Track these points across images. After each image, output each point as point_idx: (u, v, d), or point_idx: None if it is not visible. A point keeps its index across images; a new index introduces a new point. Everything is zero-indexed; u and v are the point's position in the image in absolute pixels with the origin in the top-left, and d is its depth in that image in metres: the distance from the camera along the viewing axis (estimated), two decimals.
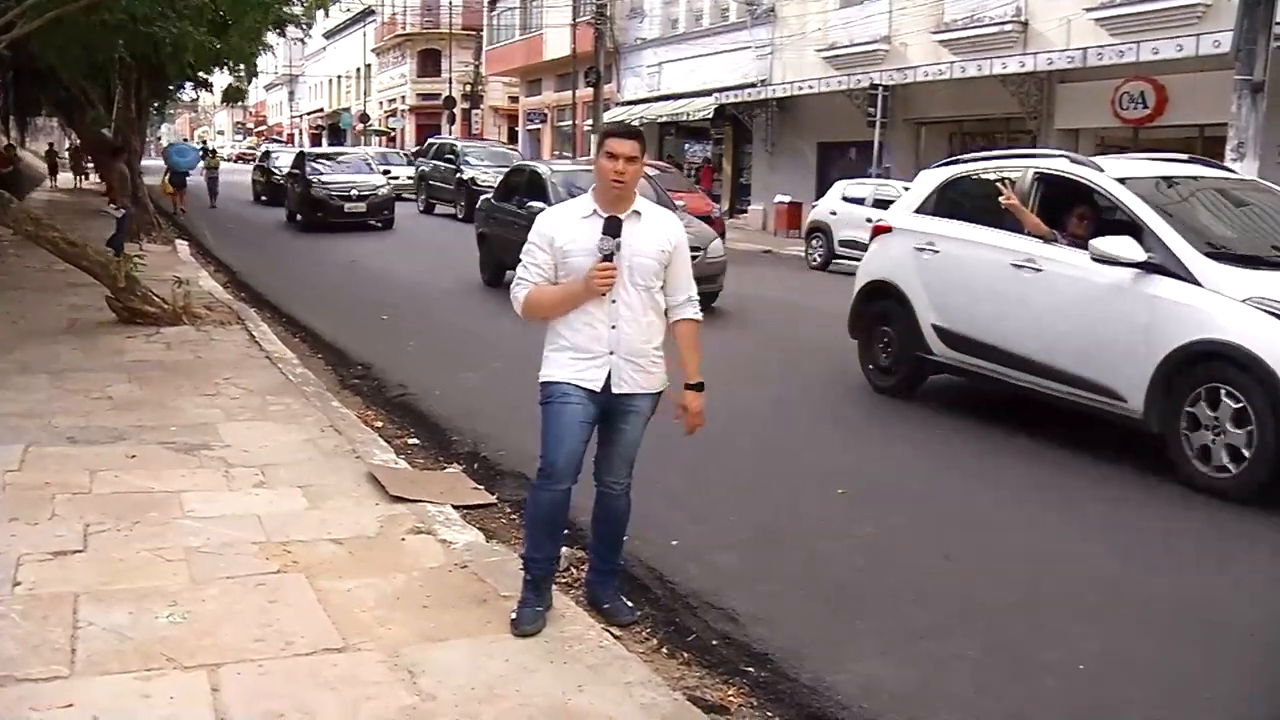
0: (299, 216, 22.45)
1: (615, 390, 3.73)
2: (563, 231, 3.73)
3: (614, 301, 3.68)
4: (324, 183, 21.75)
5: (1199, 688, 3.61)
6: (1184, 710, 3.48)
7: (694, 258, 9.60)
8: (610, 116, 31.92)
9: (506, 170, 15.55)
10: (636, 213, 3.73)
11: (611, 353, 3.71)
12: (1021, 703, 3.49)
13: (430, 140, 32.27)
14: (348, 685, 3.31)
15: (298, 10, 21.05)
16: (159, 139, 57.00)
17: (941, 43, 21.92)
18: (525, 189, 13.21)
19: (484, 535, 4.82)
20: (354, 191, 21.72)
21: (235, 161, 60.06)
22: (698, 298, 3.91)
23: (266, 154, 32.39)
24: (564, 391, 3.71)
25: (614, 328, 3.70)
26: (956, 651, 3.81)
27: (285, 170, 26.72)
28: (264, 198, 28.75)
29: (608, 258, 3.61)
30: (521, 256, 3.81)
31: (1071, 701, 3.50)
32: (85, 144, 27.49)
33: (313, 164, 22.74)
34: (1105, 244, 6.13)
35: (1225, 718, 3.47)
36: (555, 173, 13.20)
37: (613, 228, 3.63)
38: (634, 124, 30.73)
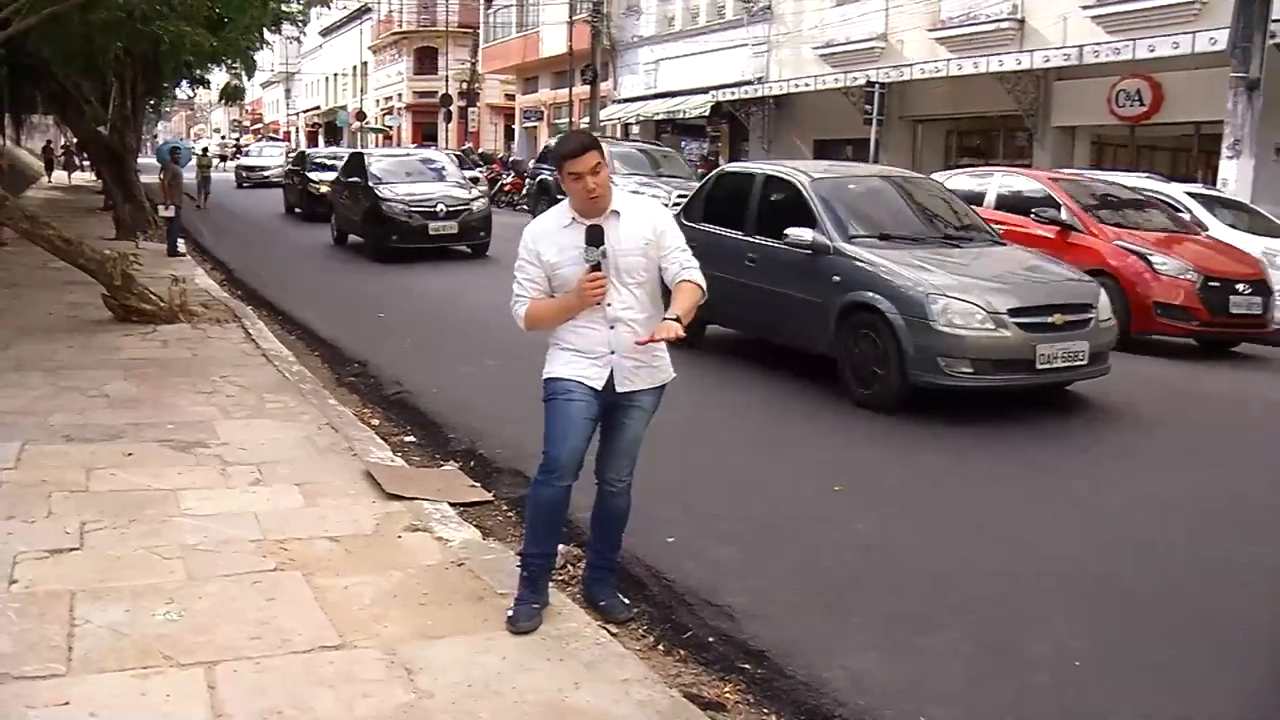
0: (351, 237, 17.55)
1: (619, 389, 3.75)
2: (547, 245, 3.74)
3: (608, 304, 3.69)
4: (398, 196, 15.96)
5: (1192, 683, 3.61)
6: (1177, 705, 3.48)
7: (1085, 322, 7.10)
8: (607, 114, 31.97)
9: (709, 178, 10.10)
10: (615, 213, 3.72)
11: (613, 352, 3.72)
12: (1014, 698, 3.50)
13: (550, 143, 24.61)
14: (344, 682, 3.32)
15: (294, 7, 20.98)
16: (155, 137, 56.86)
17: (938, 40, 21.93)
18: (762, 209, 8.49)
19: (480, 533, 4.82)
20: (440, 207, 15.83)
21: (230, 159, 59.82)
22: (696, 265, 3.79)
23: (302, 157, 26.66)
24: (567, 388, 3.72)
25: (612, 328, 3.71)
26: (950, 647, 3.82)
27: (320, 175, 22.69)
28: (298, 210, 23.95)
29: (595, 267, 3.61)
30: (515, 272, 3.82)
31: (1064, 697, 3.50)
32: (82, 142, 27.05)
33: (377, 170, 17.00)
34: None
35: (1218, 713, 3.47)
36: (818, 182, 8.21)
37: (595, 237, 3.62)
38: (630, 121, 30.84)
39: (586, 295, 3.61)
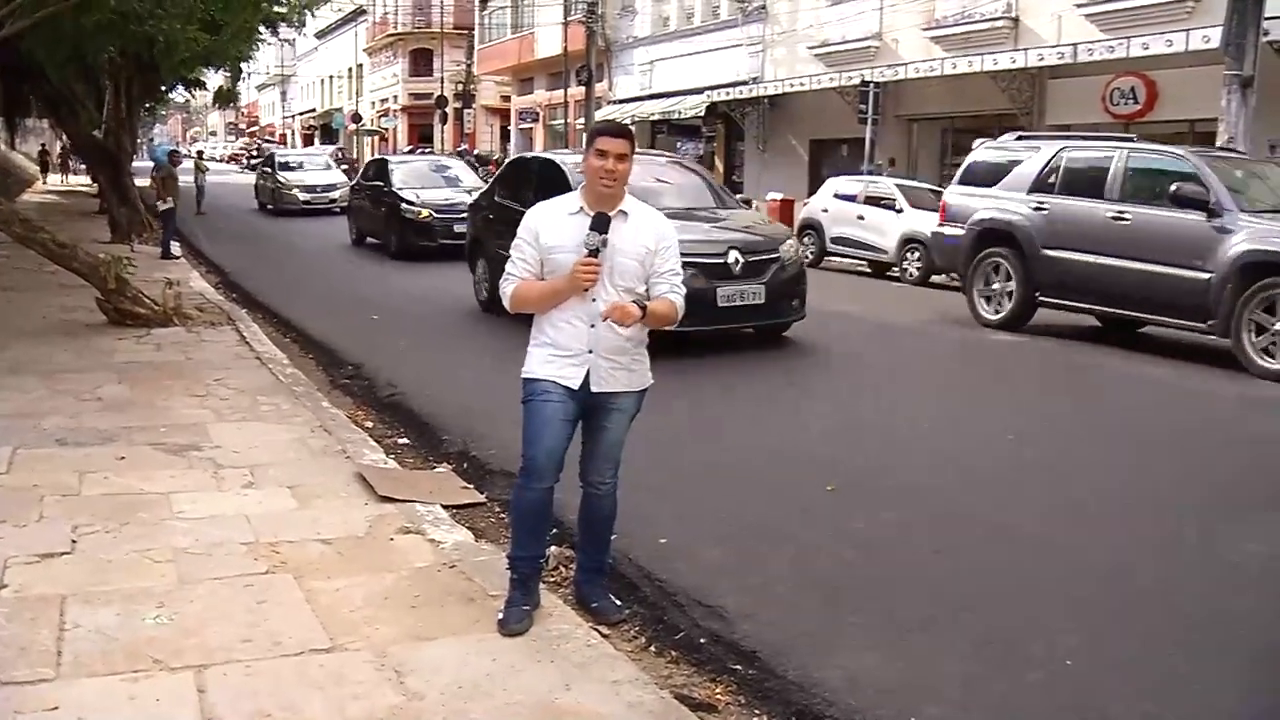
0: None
1: (594, 389, 3.74)
2: (548, 228, 3.73)
3: (594, 300, 3.68)
4: None
5: (1188, 682, 3.61)
6: (1173, 705, 3.48)
7: None
8: (603, 114, 31.91)
9: None
10: (623, 212, 3.72)
11: (590, 351, 3.71)
12: (1009, 697, 3.49)
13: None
14: (335, 685, 3.31)
15: (287, 9, 20.97)
16: (151, 140, 56.80)
17: (933, 39, 21.95)
18: None
19: (473, 534, 4.82)
20: (732, 256, 9.01)
21: (227, 163, 59.52)
22: (683, 291, 3.84)
23: (383, 167, 19.07)
24: (544, 389, 3.72)
25: (593, 326, 3.70)
26: (944, 646, 3.82)
27: (414, 192, 17.05)
28: (374, 240, 18.39)
29: (593, 253, 3.60)
30: (510, 252, 3.81)
31: (1059, 696, 3.50)
32: (77, 145, 26.89)
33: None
34: None
35: (1214, 713, 3.47)
36: None
37: (600, 224, 3.62)
38: (624, 121, 30.79)
39: (577, 278, 3.60)
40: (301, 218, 24.70)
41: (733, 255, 9.07)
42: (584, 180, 3.78)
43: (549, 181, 9.94)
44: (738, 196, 12.01)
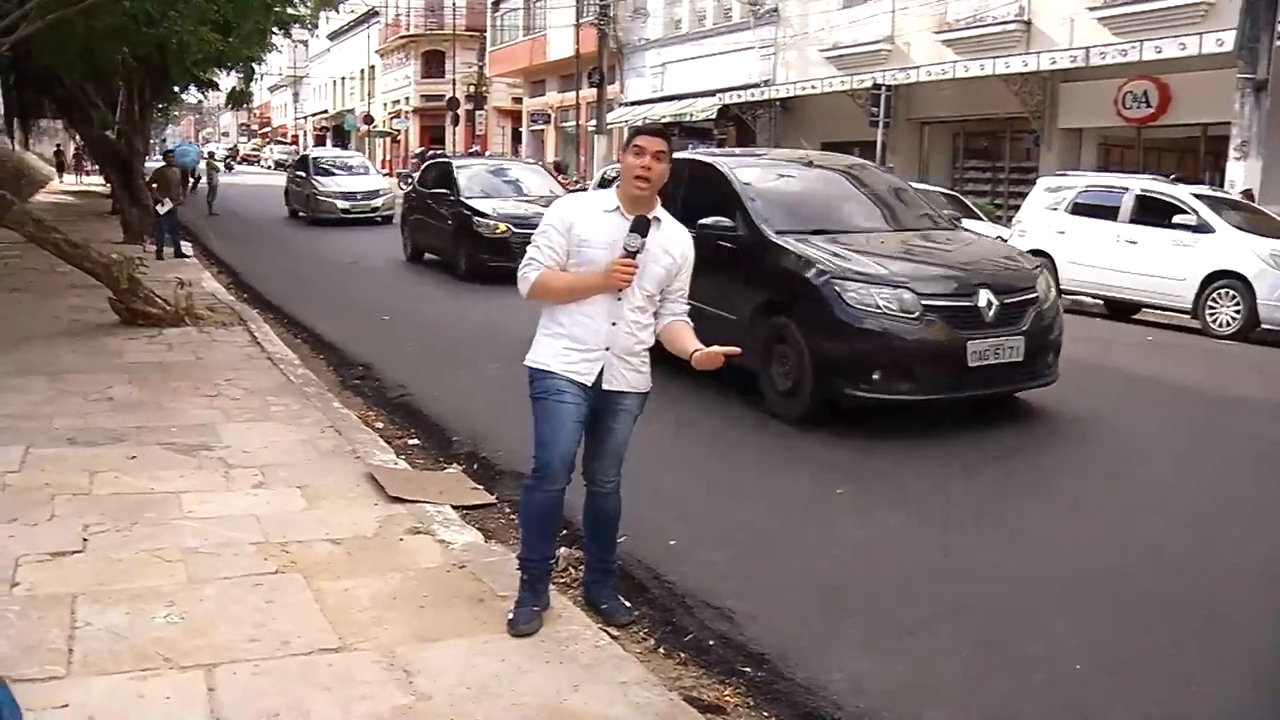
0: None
1: (606, 387, 3.75)
2: (583, 221, 3.73)
3: (619, 299, 3.69)
4: (862, 270, 6.69)
5: (1191, 683, 3.60)
6: (1175, 705, 3.47)
7: None
8: (614, 117, 31.99)
9: None
10: (658, 218, 3.73)
11: (607, 349, 3.72)
12: (1011, 699, 3.49)
13: None
14: (343, 685, 3.32)
15: (301, 11, 20.97)
16: (164, 141, 56.97)
17: (945, 42, 21.90)
18: None
19: (482, 535, 4.82)
20: (982, 299, 6.63)
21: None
22: (687, 306, 3.91)
23: (447, 173, 16.19)
24: (558, 389, 3.71)
25: (613, 324, 3.71)
26: (948, 648, 3.81)
27: (485, 203, 14.56)
28: (430, 255, 16.09)
29: (631, 255, 3.61)
30: (535, 238, 3.81)
31: (1062, 697, 3.49)
32: (90, 147, 26.73)
33: (762, 204, 7.33)
34: None
35: (1215, 713, 3.45)
36: None
37: (642, 226, 3.62)
38: (637, 124, 30.68)
39: (614, 277, 3.60)
40: (338, 228, 22.07)
41: (984, 296, 6.63)
42: (619, 180, 3.76)
43: (709, 189, 7.55)
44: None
